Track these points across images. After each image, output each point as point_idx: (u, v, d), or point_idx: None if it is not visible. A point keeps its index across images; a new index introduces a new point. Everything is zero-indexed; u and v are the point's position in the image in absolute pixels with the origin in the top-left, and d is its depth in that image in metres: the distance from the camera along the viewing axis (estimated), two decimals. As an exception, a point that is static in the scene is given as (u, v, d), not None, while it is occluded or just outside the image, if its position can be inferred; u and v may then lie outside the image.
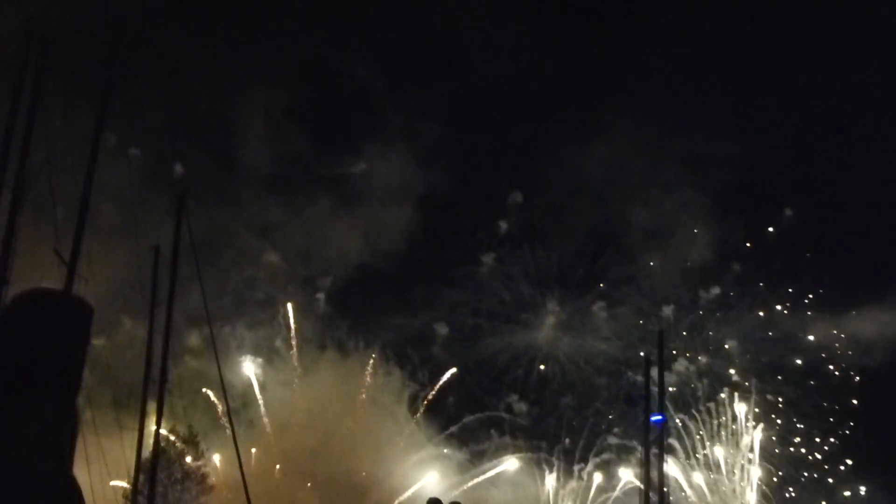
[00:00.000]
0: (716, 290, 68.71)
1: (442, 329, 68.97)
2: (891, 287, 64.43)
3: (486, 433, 66.83)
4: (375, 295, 67.90)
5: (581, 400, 68.22)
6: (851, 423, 63.51)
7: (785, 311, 67.01)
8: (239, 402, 57.18)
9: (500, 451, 65.89)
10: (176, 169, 59.85)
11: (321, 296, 67.15)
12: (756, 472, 63.95)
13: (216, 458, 50.11)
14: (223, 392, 32.06)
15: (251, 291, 64.30)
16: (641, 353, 65.12)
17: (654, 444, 34.10)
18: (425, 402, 66.10)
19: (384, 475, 61.37)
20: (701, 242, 67.46)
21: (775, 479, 64.61)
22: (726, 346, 68.26)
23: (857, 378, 65.12)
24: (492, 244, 70.20)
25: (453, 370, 66.75)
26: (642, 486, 33.96)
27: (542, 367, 68.55)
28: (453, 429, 65.77)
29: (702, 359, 67.73)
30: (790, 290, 67.44)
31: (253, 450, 55.73)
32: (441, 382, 66.56)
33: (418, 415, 65.55)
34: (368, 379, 64.31)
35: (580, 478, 65.02)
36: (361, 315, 67.22)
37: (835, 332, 66.13)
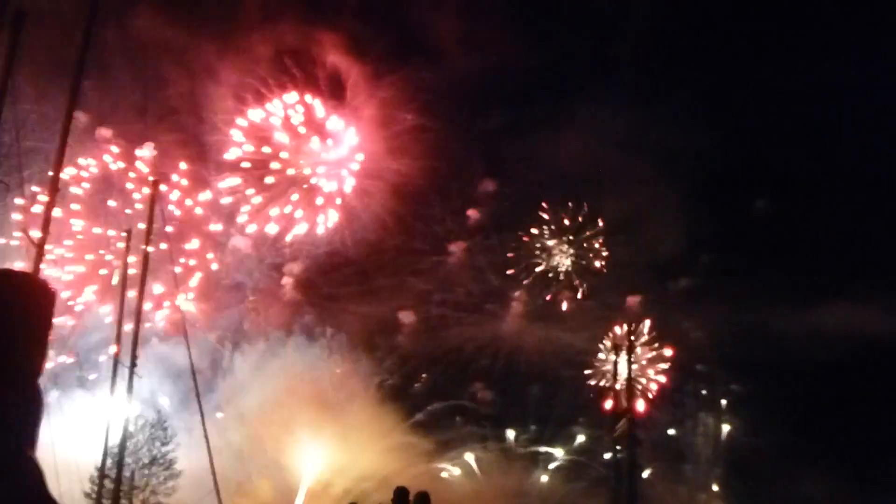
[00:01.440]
0: (685, 282, 69.04)
1: (408, 318, 68.90)
2: (854, 281, 65.04)
3: (451, 421, 67.06)
4: (343, 283, 67.76)
5: (547, 390, 68.42)
6: (815, 416, 63.99)
7: (751, 303, 67.38)
8: (205, 387, 56.93)
9: (466, 440, 66.14)
10: (145, 153, 59.20)
11: (288, 281, 66.89)
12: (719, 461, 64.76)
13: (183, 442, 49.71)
14: (193, 377, 31.93)
15: (218, 275, 63.97)
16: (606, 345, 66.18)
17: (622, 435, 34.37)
18: (391, 390, 66.26)
19: (350, 462, 61.39)
20: (671, 234, 67.73)
21: (738, 470, 65.25)
22: (691, 337, 68.59)
23: (821, 371, 65.52)
24: (461, 234, 70.16)
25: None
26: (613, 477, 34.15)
27: (507, 357, 68.63)
28: (419, 416, 65.92)
29: (668, 352, 68.04)
30: (757, 282, 67.82)
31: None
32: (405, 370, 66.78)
33: (384, 402, 65.65)
34: (335, 366, 64.29)
35: (546, 466, 65.40)
36: (328, 302, 67.17)
37: (800, 324, 66.48)
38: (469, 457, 65.44)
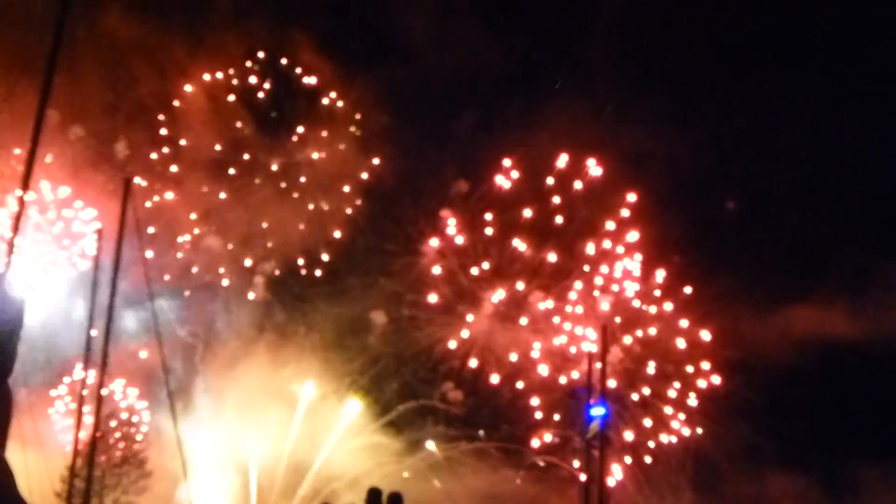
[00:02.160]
0: (655, 284, 69.35)
1: (379, 318, 68.82)
2: (820, 285, 65.66)
3: (421, 422, 67.12)
4: (314, 282, 67.68)
5: (517, 392, 68.60)
6: (783, 417, 64.53)
7: (720, 305, 67.86)
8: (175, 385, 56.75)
9: (436, 440, 66.22)
10: (117, 149, 58.94)
11: (259, 280, 66.73)
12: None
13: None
14: (165, 375, 31.78)
15: (191, 275, 63.71)
16: (578, 349, 66.43)
17: (593, 439, 34.52)
18: (362, 390, 66.23)
19: (320, 462, 61.40)
20: (642, 237, 68.09)
21: (707, 472, 65.65)
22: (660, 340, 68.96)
23: (788, 375, 66.09)
24: (433, 234, 70.13)
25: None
26: (584, 481, 34.32)
27: (477, 358, 68.73)
28: (391, 416, 65.96)
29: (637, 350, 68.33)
30: (726, 283, 68.31)
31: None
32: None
33: (355, 402, 65.65)
34: (306, 365, 64.18)
35: (519, 468, 65.52)
36: (300, 301, 67.08)
37: (768, 327, 67.04)
38: (437, 455, 65.57)
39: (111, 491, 45.52)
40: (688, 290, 65.72)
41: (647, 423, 66.06)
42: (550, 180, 68.01)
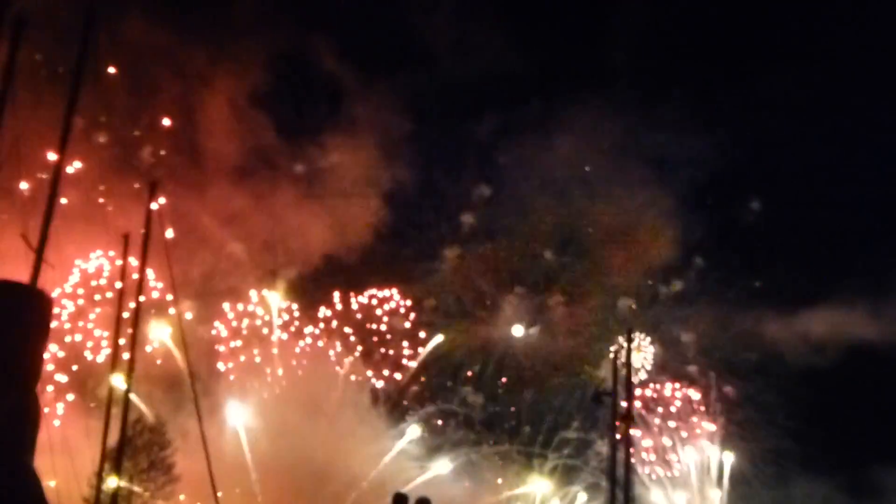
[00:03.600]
0: (677, 286, 69.35)
1: (399, 322, 68.85)
2: (842, 287, 65.51)
3: (443, 427, 67.13)
4: (336, 287, 67.89)
5: (538, 395, 68.66)
6: (805, 421, 64.31)
7: (742, 307, 67.74)
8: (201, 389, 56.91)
9: (458, 445, 66.18)
10: (143, 157, 59.40)
11: (281, 285, 66.93)
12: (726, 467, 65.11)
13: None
14: (191, 382, 31.94)
15: (213, 280, 63.94)
16: (603, 349, 66.24)
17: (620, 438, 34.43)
18: (385, 394, 66.40)
19: (343, 465, 61.47)
20: (664, 239, 68.10)
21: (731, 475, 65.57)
22: (683, 341, 68.92)
23: (810, 376, 65.78)
24: (455, 240, 70.30)
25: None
26: (610, 483, 34.25)
27: (499, 362, 68.79)
28: (411, 421, 66.04)
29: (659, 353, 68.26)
30: (748, 285, 68.24)
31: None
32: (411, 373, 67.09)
33: (379, 406, 65.82)
34: (339, 371, 64.43)
35: (541, 472, 65.53)
36: (322, 306, 67.30)
37: (789, 328, 66.77)
38: (462, 461, 65.56)
39: (139, 497, 45.71)
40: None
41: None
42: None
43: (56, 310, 47.19)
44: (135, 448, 43.90)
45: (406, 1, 70.55)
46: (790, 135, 68.99)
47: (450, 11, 69.10)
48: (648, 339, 66.96)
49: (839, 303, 64.62)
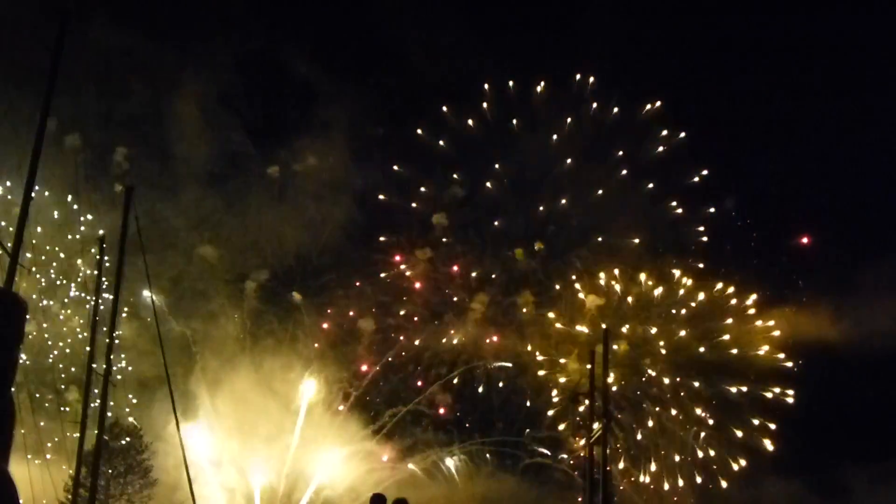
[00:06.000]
0: (650, 285, 69.58)
1: (367, 325, 68.84)
2: (826, 287, 66.26)
3: (412, 429, 67.18)
4: (306, 290, 67.95)
5: (508, 397, 68.82)
6: (784, 421, 64.75)
7: (723, 305, 68.01)
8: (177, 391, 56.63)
9: (428, 447, 66.30)
10: (116, 159, 59.10)
11: (252, 287, 66.80)
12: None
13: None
14: (168, 385, 31.77)
15: (185, 283, 63.71)
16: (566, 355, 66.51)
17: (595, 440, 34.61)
18: (352, 398, 66.37)
19: (313, 470, 61.50)
20: (638, 241, 68.61)
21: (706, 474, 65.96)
22: (661, 344, 69.13)
23: (792, 376, 66.12)
24: (426, 243, 70.21)
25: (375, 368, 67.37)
26: (588, 484, 34.45)
27: (467, 365, 68.81)
28: (381, 423, 66.02)
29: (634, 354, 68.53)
30: (731, 284, 68.41)
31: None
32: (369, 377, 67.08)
33: (345, 408, 65.80)
34: (299, 374, 64.23)
35: (513, 472, 65.78)
36: (293, 309, 67.36)
37: (772, 328, 67.04)
38: (435, 461, 65.70)
39: (116, 500, 45.45)
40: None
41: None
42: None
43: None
44: (111, 452, 43.72)
45: (380, 4, 70.61)
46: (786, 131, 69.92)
47: (424, 14, 69.30)
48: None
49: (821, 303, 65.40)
